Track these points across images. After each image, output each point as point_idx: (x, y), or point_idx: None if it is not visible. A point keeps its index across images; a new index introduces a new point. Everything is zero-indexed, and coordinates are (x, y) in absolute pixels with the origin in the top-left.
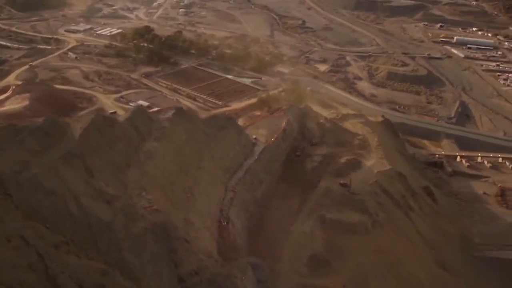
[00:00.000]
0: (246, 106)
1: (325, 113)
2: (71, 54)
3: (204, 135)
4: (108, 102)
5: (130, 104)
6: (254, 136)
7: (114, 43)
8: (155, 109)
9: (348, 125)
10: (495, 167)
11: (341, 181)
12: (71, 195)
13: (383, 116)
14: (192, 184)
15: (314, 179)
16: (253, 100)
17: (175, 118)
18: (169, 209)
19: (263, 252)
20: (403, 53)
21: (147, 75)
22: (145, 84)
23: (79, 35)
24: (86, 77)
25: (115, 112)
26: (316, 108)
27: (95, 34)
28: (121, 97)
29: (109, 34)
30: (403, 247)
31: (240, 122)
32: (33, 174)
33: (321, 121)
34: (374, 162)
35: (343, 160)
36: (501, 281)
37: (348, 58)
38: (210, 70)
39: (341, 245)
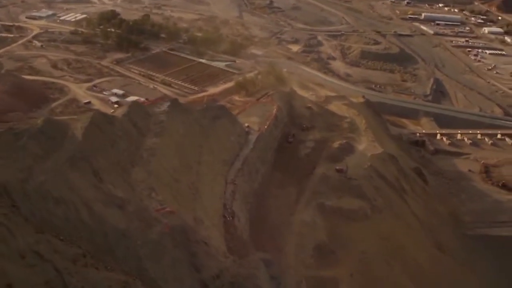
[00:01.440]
0: (223, 91)
1: (305, 95)
2: (36, 42)
3: (200, 127)
4: (81, 92)
5: (104, 93)
6: (246, 124)
7: (80, 29)
8: (141, 99)
9: (333, 107)
10: (475, 143)
11: (337, 167)
12: (82, 202)
13: (363, 97)
14: (195, 179)
15: (308, 165)
16: (230, 84)
17: (171, 111)
18: (177, 208)
19: (267, 245)
20: (376, 32)
21: (118, 62)
22: (117, 72)
23: (42, 22)
24: (55, 66)
25: (89, 102)
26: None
27: (58, 20)
28: (94, 86)
29: (73, 19)
30: (402, 231)
31: None
32: (40, 182)
33: (309, 105)
34: (366, 146)
35: (336, 145)
36: (493, 257)
37: (319, 37)
38: (182, 55)
39: (343, 233)
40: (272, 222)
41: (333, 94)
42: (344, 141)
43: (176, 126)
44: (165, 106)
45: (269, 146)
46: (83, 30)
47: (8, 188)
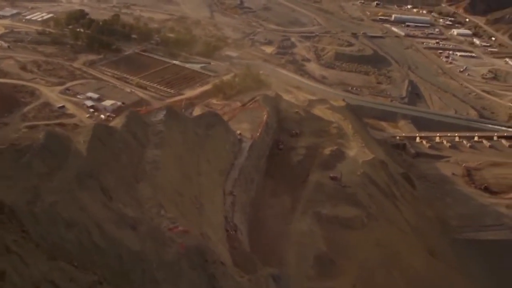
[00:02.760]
0: (200, 94)
1: (286, 98)
2: (2, 43)
3: (196, 136)
4: (53, 95)
5: (78, 96)
6: (238, 132)
7: (47, 29)
8: (117, 103)
9: (318, 112)
10: (454, 146)
11: (331, 175)
12: (94, 224)
13: (344, 100)
14: (197, 192)
15: (301, 173)
16: (207, 87)
17: (168, 120)
18: (186, 225)
19: (266, 257)
20: (352, 33)
21: (90, 64)
22: (90, 74)
23: (6, 21)
24: (24, 68)
25: (63, 106)
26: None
27: (24, 20)
28: (67, 89)
29: (40, 19)
30: (397, 238)
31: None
32: (49, 203)
33: (297, 110)
34: (357, 152)
35: (327, 151)
36: (483, 261)
37: (292, 39)
38: (156, 56)
39: (341, 241)
40: (269, 233)
41: (313, 97)
42: (335, 147)
43: (174, 136)
44: (161, 115)
45: (261, 154)
46: (51, 30)
47: (16, 211)
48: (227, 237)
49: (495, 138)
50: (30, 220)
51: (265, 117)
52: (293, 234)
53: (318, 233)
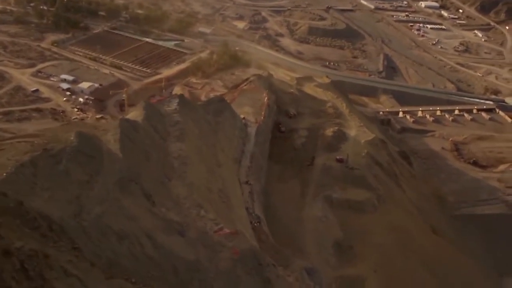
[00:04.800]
0: (178, 72)
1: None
2: None
3: (207, 124)
4: (25, 79)
5: (52, 79)
6: (242, 116)
7: (8, 7)
8: (95, 85)
9: (309, 90)
10: (437, 120)
11: (337, 157)
12: (144, 234)
13: (327, 77)
14: (220, 185)
15: (306, 156)
16: (183, 65)
17: (182, 110)
18: (224, 224)
19: (285, 247)
20: (327, 7)
21: (58, 44)
22: (61, 55)
23: None
24: None
25: (37, 90)
26: (254, 71)
27: None
28: (38, 71)
29: None
30: (405, 219)
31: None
32: (96, 215)
33: (292, 90)
34: (357, 131)
35: (329, 133)
36: (480, 236)
37: (263, 13)
38: (127, 34)
39: (355, 226)
40: (283, 221)
41: (293, 74)
42: (336, 128)
43: (191, 127)
44: (174, 103)
45: (266, 138)
46: (12, 8)
47: (65, 227)
48: (253, 231)
49: (474, 111)
50: (80, 235)
51: (266, 99)
52: (307, 220)
53: (332, 219)
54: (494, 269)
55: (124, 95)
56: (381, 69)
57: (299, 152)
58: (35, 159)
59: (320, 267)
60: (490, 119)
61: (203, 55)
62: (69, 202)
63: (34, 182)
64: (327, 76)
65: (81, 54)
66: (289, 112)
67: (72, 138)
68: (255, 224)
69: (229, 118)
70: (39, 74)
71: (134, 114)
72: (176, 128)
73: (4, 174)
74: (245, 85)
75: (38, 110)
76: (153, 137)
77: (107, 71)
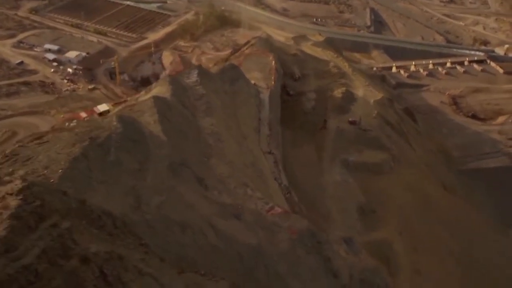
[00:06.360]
0: (165, 36)
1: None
2: None
3: (225, 94)
4: (6, 50)
5: (36, 49)
6: (253, 82)
7: None
8: (82, 53)
9: (308, 50)
10: (430, 74)
11: (350, 119)
12: (205, 222)
13: (320, 34)
14: (251, 158)
15: (317, 119)
16: (170, 28)
17: (203, 82)
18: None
19: (311, 214)
20: None
21: (36, 11)
22: (40, 23)
23: None
24: None
25: (22, 62)
26: (244, 31)
27: None
28: (20, 41)
29: None
30: (421, 179)
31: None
32: (156, 206)
33: (295, 52)
34: (364, 91)
35: (338, 94)
36: (486, 190)
37: None
38: None
39: (374, 188)
40: (303, 188)
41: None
42: (344, 88)
43: (214, 99)
44: (194, 75)
45: (278, 104)
46: None
47: (127, 222)
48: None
49: (466, 63)
50: (144, 230)
51: (273, 63)
52: (328, 186)
53: (352, 183)
54: (501, 221)
55: (112, 63)
56: (369, 23)
57: (310, 116)
58: (86, 151)
59: (346, 234)
60: (482, 70)
61: (189, 16)
62: (126, 194)
63: (89, 176)
64: (320, 34)
65: (61, 21)
66: (294, 75)
67: (114, 123)
68: (287, 195)
69: (244, 86)
70: (21, 44)
71: (160, 90)
72: (202, 101)
73: (60, 170)
74: (246, 49)
75: (26, 83)
76: (185, 114)
77: (92, 39)
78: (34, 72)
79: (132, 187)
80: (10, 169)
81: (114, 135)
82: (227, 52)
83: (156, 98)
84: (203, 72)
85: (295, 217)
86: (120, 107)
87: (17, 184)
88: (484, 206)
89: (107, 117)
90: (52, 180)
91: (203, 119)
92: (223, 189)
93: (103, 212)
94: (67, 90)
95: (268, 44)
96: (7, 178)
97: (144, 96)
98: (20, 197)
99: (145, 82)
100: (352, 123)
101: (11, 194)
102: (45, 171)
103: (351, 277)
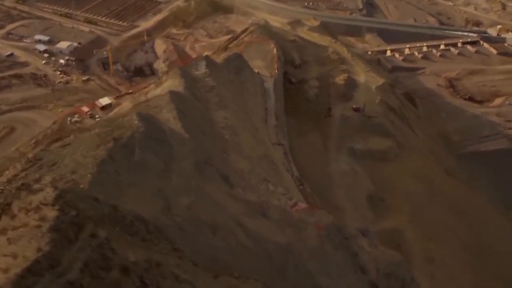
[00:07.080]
0: (157, 24)
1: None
2: None
3: (232, 84)
4: None
5: (25, 40)
6: (256, 71)
7: None
8: (74, 44)
9: (305, 36)
10: (425, 56)
11: (354, 106)
12: (234, 222)
13: (315, 19)
14: (264, 150)
15: (321, 107)
16: (161, 16)
17: (212, 73)
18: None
19: (321, 205)
20: None
21: (23, 0)
22: (29, 13)
23: None
24: None
25: (12, 54)
26: (236, 17)
27: None
28: (9, 33)
29: None
30: (425, 165)
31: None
32: (185, 208)
33: (294, 38)
34: (365, 77)
35: (340, 81)
36: (487, 172)
37: None
38: None
39: (380, 176)
40: (311, 178)
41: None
42: (346, 75)
43: (224, 91)
44: (202, 66)
45: (282, 92)
46: None
47: (159, 226)
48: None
49: (459, 44)
50: (176, 233)
51: (274, 51)
52: (336, 176)
53: (360, 172)
54: (502, 203)
55: (105, 53)
56: (360, 6)
57: (314, 104)
58: (112, 153)
59: (358, 224)
60: (476, 51)
61: (180, 3)
62: (154, 196)
63: (118, 179)
64: (315, 18)
65: (50, 10)
66: (294, 62)
67: (136, 122)
68: (300, 187)
69: (249, 76)
70: (10, 36)
71: (172, 83)
72: (213, 94)
73: (89, 174)
74: (245, 36)
75: (17, 76)
76: (199, 107)
77: (83, 28)
78: (25, 64)
79: (159, 189)
80: (37, 175)
81: (137, 135)
82: (221, 39)
83: (172, 93)
84: (211, 63)
85: (320, 212)
86: (127, 101)
87: (49, 192)
88: (485, 189)
89: (126, 115)
90: (82, 186)
91: (216, 112)
92: (246, 186)
93: (135, 217)
94: (60, 82)
95: (266, 30)
96: (37, 186)
97: (155, 89)
98: (57, 207)
99: (139, 72)
100: (356, 110)
101: (46, 205)
102: (73, 176)
103: (378, 270)
